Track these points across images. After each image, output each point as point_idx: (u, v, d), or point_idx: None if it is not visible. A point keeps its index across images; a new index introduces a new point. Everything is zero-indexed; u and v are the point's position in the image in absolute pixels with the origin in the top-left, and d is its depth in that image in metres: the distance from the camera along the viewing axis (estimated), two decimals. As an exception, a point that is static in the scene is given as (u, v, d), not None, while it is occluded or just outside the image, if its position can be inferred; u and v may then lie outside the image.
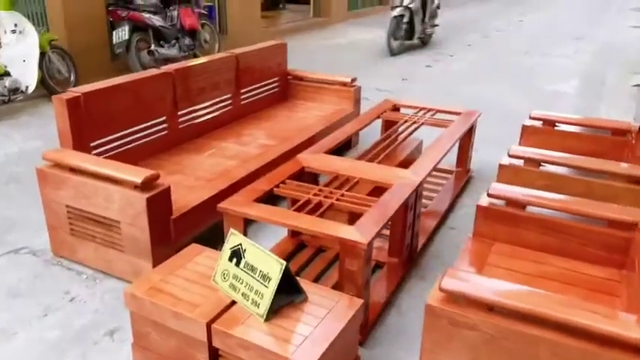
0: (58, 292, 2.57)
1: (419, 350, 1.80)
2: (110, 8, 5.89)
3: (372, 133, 4.19)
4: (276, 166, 2.83)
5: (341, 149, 3.92)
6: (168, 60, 6.37)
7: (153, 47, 6.02)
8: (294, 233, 2.97)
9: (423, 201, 3.43)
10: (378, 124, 3.98)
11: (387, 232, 2.82)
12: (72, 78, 5.52)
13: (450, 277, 1.71)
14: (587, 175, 2.84)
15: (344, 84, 4.36)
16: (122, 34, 5.70)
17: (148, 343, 2.07)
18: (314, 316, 1.88)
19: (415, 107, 3.91)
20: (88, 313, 2.43)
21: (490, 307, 1.67)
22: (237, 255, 1.99)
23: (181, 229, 2.61)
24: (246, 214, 2.32)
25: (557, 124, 3.37)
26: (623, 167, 2.67)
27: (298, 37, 9.61)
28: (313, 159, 2.88)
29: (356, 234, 2.14)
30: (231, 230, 2.05)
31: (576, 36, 10.59)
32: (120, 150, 3.03)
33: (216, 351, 1.90)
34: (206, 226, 2.80)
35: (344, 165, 2.83)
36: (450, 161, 3.92)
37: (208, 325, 1.85)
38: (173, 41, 6.34)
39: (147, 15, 5.97)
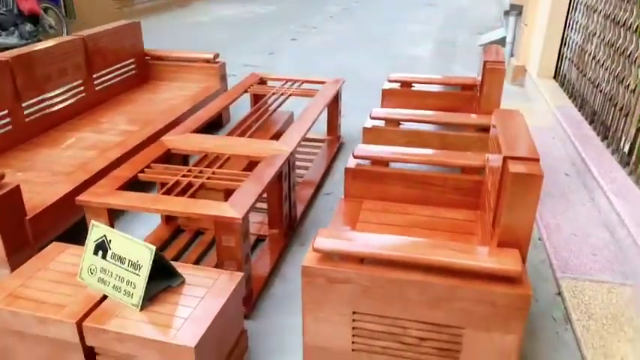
0: None
1: (294, 313, 1.84)
2: None
3: (243, 110, 4.14)
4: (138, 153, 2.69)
5: (212, 128, 3.83)
6: (7, 49, 5.74)
7: (-13, 36, 5.38)
8: (168, 219, 2.87)
9: (299, 171, 3.48)
10: (247, 100, 3.94)
11: (265, 205, 2.83)
12: None
13: (322, 237, 1.76)
14: (442, 128, 3.06)
15: (207, 60, 4.23)
16: (-54, 22, 5.01)
17: (13, 358, 1.88)
18: (193, 297, 1.83)
19: (282, 79, 3.92)
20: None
21: (361, 260, 1.75)
22: (102, 247, 1.87)
23: (40, 230, 2.39)
24: (109, 204, 2.18)
25: (413, 84, 3.57)
26: (472, 118, 2.91)
27: (157, 17, 9.14)
28: (179, 140, 2.77)
29: (230, 210, 2.11)
30: (92, 222, 1.91)
31: (429, 2, 11.25)
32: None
33: (91, 350, 1.78)
34: (69, 224, 2.60)
35: (213, 143, 2.76)
36: (321, 130, 4.00)
37: (79, 324, 1.72)
38: (12, 28, 5.71)
39: (-26, 0, 5.30)
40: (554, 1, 4.68)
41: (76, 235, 2.54)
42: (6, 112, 2.99)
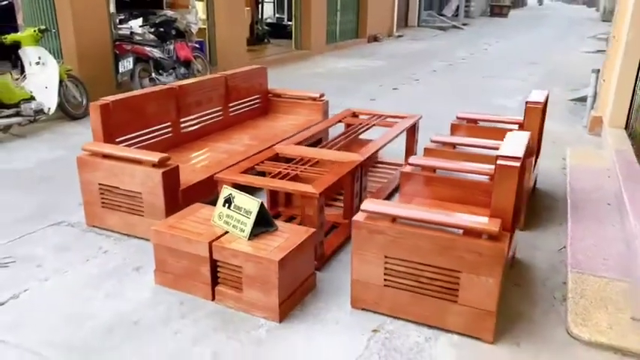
0: (94, 247, 3.43)
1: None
2: (117, 42, 6.90)
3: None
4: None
5: (313, 145, 4.85)
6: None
7: (153, 75, 6.99)
8: (271, 206, 3.87)
9: (374, 184, 4.34)
10: (342, 127, 4.94)
11: (342, 204, 3.72)
12: (84, 102, 6.45)
13: (368, 202, 2.62)
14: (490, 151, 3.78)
15: (314, 99, 5.33)
16: (127, 64, 6.67)
17: (165, 267, 2.94)
18: (281, 237, 2.77)
19: (370, 114, 4.87)
20: (118, 259, 3.29)
21: (393, 219, 2.58)
22: (228, 201, 2.89)
23: (186, 199, 3.50)
24: (235, 180, 3.22)
25: (478, 121, 4.34)
26: (512, 145, 3.61)
27: (282, 68, 10.66)
28: (285, 148, 3.81)
29: (311, 188, 3.05)
30: (224, 186, 2.96)
31: (532, 61, 11.77)
32: (137, 146, 3.93)
33: (214, 263, 2.78)
34: (203, 200, 3.69)
35: (308, 151, 3.76)
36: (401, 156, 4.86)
37: (210, 244, 2.73)
38: (170, 70, 7.33)
39: (148, 48, 6.96)
40: (624, 60, 5.21)
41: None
42: (169, 123, 4.24)
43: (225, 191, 2.92)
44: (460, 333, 2.56)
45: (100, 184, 3.52)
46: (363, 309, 2.76)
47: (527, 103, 3.62)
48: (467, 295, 2.48)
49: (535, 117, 3.59)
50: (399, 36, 16.63)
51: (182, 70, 7.57)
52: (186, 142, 4.40)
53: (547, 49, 14.23)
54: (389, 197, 4.23)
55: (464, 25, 21.13)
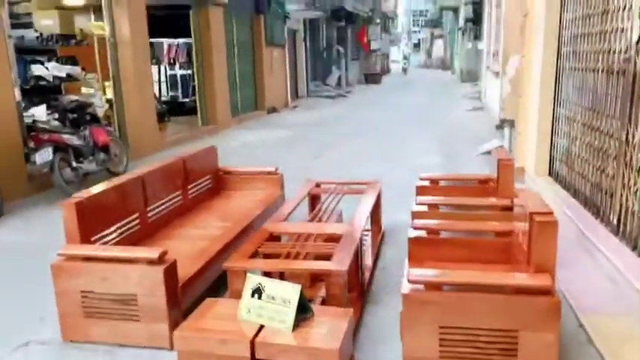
0: (84, 367, 2.96)
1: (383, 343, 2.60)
2: (32, 134, 6.30)
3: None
4: (239, 241, 3.62)
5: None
6: (87, 174, 6.82)
7: (75, 164, 6.45)
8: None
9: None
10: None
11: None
12: (-3, 201, 5.74)
13: (414, 271, 2.59)
14: (469, 210, 3.97)
15: (269, 173, 5.25)
16: (46, 155, 6.08)
17: (194, 376, 2.60)
18: (322, 322, 2.60)
19: (332, 183, 4.91)
20: (119, 376, 2.86)
21: (440, 287, 2.57)
22: (258, 291, 2.68)
23: (185, 294, 3.19)
24: (248, 267, 3.01)
25: (440, 181, 4.55)
26: (495, 200, 3.83)
27: (195, 144, 10.39)
28: (276, 226, 3.67)
29: (336, 265, 2.95)
30: (248, 274, 2.75)
31: (426, 121, 12.77)
32: (110, 244, 3.54)
33: (257, 363, 2.52)
34: (200, 292, 3.39)
35: (300, 227, 3.66)
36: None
37: (252, 342, 2.49)
38: (90, 157, 6.82)
39: (66, 136, 6.45)
40: (540, 114, 5.85)
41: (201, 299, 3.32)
42: (137, 215, 3.90)
43: (252, 280, 2.71)
44: (522, 393, 2.56)
45: (82, 291, 3.09)
46: (416, 386, 2.66)
47: (499, 160, 3.89)
48: (527, 353, 2.50)
49: (510, 174, 3.85)
50: (295, 106, 17.19)
51: (102, 155, 7.09)
52: (153, 232, 4.06)
53: (433, 109, 15.55)
54: (374, 265, 4.21)
55: (347, 92, 22.46)
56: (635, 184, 3.73)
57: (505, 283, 2.48)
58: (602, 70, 4.45)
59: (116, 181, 3.77)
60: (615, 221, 4.06)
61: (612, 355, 2.80)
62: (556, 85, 5.71)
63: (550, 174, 5.96)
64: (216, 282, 3.60)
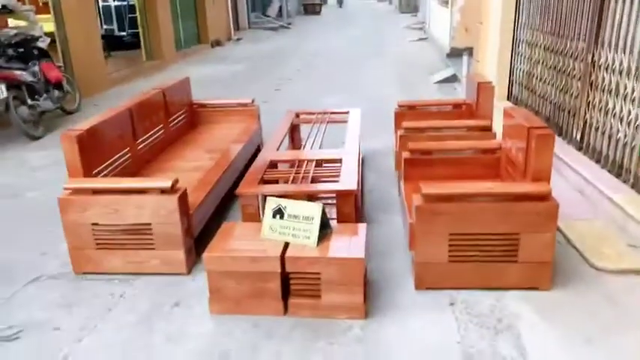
0: (105, 295, 3.02)
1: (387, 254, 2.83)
2: (-20, 70, 5.88)
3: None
4: (232, 170, 3.81)
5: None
6: (44, 112, 6.50)
7: (31, 102, 6.12)
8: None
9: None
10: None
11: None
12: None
13: (426, 187, 2.79)
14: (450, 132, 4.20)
15: (244, 105, 5.24)
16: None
17: (223, 293, 2.74)
18: (342, 236, 2.79)
19: (312, 112, 4.99)
20: (144, 300, 2.95)
21: (450, 198, 2.79)
22: (279, 212, 2.81)
23: (195, 221, 3.26)
24: (260, 192, 3.12)
25: (416, 107, 4.74)
26: (475, 122, 4.07)
27: (145, 80, 10.02)
28: (275, 154, 3.76)
29: (348, 185, 3.11)
30: (268, 197, 2.86)
31: (376, 52, 12.84)
32: (112, 173, 3.53)
33: (286, 276, 2.69)
34: (205, 219, 3.48)
35: (297, 154, 3.77)
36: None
37: (281, 257, 2.64)
38: (45, 95, 6.47)
39: (18, 72, 6.06)
40: (500, 40, 6.10)
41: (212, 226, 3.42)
42: (128, 149, 3.85)
43: (272, 203, 2.83)
44: (520, 288, 2.88)
45: (93, 224, 3.10)
46: (427, 288, 2.93)
47: (479, 84, 4.11)
48: (526, 253, 2.81)
49: (490, 96, 4.08)
50: (238, 39, 16.69)
51: (56, 92, 6.74)
52: (143, 166, 4.03)
53: (378, 40, 15.58)
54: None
55: (289, 24, 21.94)
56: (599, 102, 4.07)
57: (511, 192, 2.74)
58: (567, -4, 4.69)
59: (107, 113, 3.68)
60: (579, 137, 4.44)
61: (589, 251, 3.19)
62: (516, 10, 5.93)
63: (509, 98, 6.29)
64: (215, 211, 3.69)
